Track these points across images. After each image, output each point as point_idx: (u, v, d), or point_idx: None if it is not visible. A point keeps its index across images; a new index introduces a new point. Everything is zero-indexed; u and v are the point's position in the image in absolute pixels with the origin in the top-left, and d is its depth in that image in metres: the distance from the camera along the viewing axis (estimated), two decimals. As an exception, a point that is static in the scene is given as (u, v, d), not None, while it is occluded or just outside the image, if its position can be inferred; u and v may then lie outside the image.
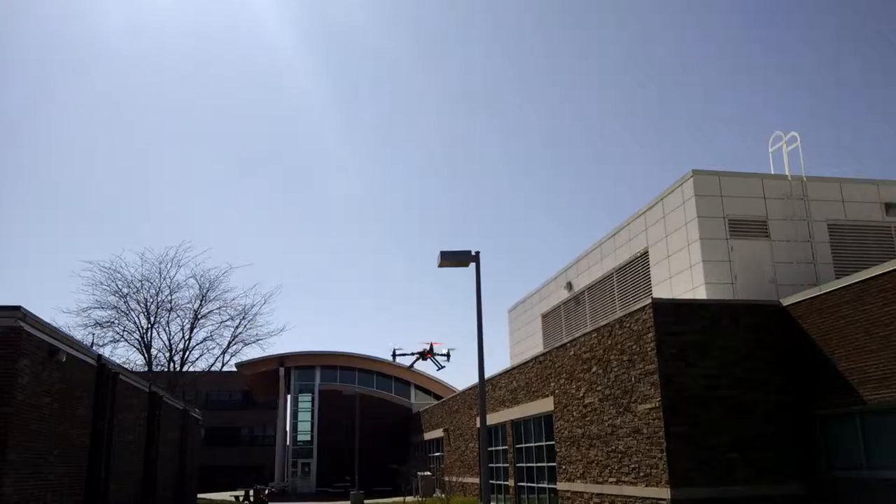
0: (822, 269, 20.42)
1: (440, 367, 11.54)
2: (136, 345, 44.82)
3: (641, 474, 17.52)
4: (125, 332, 44.35)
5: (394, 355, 12.22)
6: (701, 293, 19.86)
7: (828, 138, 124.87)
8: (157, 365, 45.32)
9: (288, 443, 59.14)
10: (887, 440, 15.01)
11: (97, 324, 42.92)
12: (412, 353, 11.70)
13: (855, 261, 19.97)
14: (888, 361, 14.57)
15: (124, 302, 44.14)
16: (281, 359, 58.49)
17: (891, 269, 14.63)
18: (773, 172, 22.21)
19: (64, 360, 15.78)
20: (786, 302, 17.79)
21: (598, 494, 20.01)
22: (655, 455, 16.88)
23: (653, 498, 16.92)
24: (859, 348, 15.35)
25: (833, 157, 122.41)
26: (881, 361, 14.75)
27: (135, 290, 44.52)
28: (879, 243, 21.05)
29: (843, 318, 15.82)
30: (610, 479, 19.25)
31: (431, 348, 11.87)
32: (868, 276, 15.23)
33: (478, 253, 14.23)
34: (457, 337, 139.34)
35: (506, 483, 28.80)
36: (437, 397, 56.27)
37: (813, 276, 20.16)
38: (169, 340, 45.88)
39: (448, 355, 13.00)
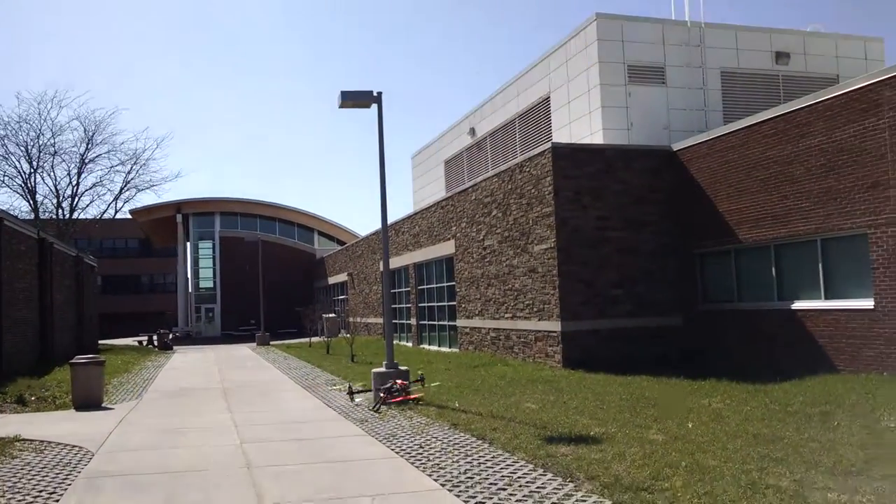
0: (713, 116, 21.19)
1: (417, 401, 11.28)
2: (18, 191, 42.58)
3: (535, 310, 18.60)
4: (6, 178, 41.93)
5: (351, 392, 11.75)
6: (599, 139, 20.34)
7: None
8: (45, 212, 43.38)
9: (190, 289, 58.88)
10: (756, 276, 16.42)
11: (-28, 168, 40.24)
12: (375, 391, 11.14)
13: (743, 108, 20.79)
14: (764, 203, 15.63)
15: (2, 144, 41.38)
16: (178, 205, 56.96)
17: (775, 115, 15.36)
18: (674, 18, 22.31)
19: (-63, 204, 14.79)
20: (676, 147, 18.51)
21: (494, 329, 21.20)
22: (549, 292, 17.87)
23: (544, 331, 18.09)
24: (740, 191, 16.35)
25: (734, 4, 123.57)
26: (758, 203, 15.82)
27: (12, 131, 41.69)
28: (767, 91, 21.88)
29: (728, 163, 16.69)
30: (506, 316, 20.37)
31: (401, 387, 11.46)
32: (753, 122, 15.97)
33: (380, 93, 13.88)
34: (359, 183, 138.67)
35: (408, 322, 30.01)
36: (341, 243, 56.76)
37: (704, 123, 20.93)
38: (55, 186, 43.73)
39: (423, 379, 12.78)
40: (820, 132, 14.18)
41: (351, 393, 10.23)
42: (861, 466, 7.02)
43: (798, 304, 15.06)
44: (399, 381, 10.32)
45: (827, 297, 14.46)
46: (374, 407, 9.30)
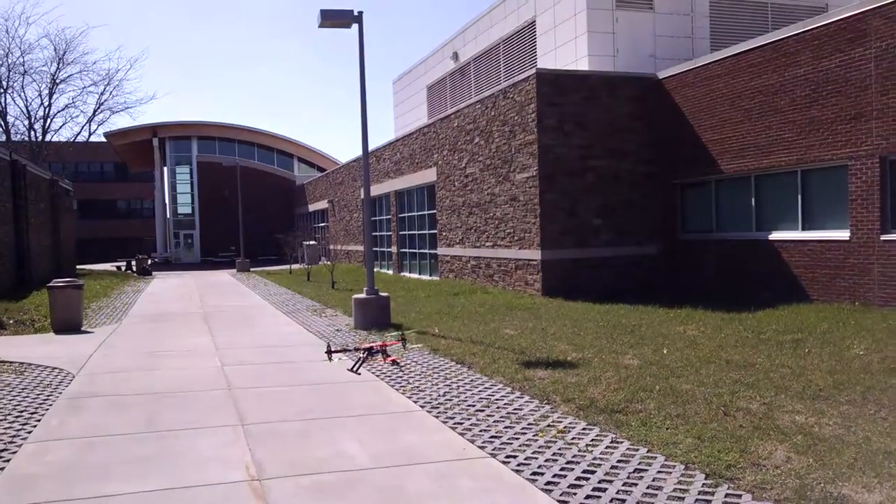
0: (700, 45, 20.87)
1: (395, 363, 10.91)
2: (-13, 112, 41.42)
3: (516, 238, 18.65)
4: (-27, 98, 40.68)
5: (329, 352, 11.24)
6: (584, 65, 20.02)
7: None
8: (16, 134, 42.40)
9: (168, 215, 58.31)
10: (736, 206, 16.50)
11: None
12: (355, 350, 10.69)
13: (731, 37, 20.46)
14: (747, 134, 15.58)
15: (-33, 63, 40.00)
16: (153, 129, 55.80)
17: (762, 44, 15.15)
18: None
19: None
20: (662, 75, 18.27)
21: (475, 257, 21.30)
22: (530, 221, 17.89)
23: (525, 259, 18.19)
24: (724, 121, 16.26)
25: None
26: (741, 133, 15.76)
27: (-22, 49, 40.24)
28: (755, 19, 21.51)
29: (713, 92, 16.53)
30: (487, 244, 20.42)
31: (383, 349, 11.00)
32: (739, 51, 15.74)
33: (360, 13, 13.46)
34: (339, 109, 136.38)
35: (389, 250, 30.04)
36: (321, 169, 56.19)
37: (691, 51, 20.62)
38: (26, 107, 42.70)
39: (404, 341, 12.29)
40: (806, 62, 14.04)
41: (329, 352, 10.26)
42: (829, 391, 7.22)
43: (776, 235, 15.21)
44: (379, 343, 10.44)
45: (804, 228, 14.61)
46: (353, 368, 9.40)
